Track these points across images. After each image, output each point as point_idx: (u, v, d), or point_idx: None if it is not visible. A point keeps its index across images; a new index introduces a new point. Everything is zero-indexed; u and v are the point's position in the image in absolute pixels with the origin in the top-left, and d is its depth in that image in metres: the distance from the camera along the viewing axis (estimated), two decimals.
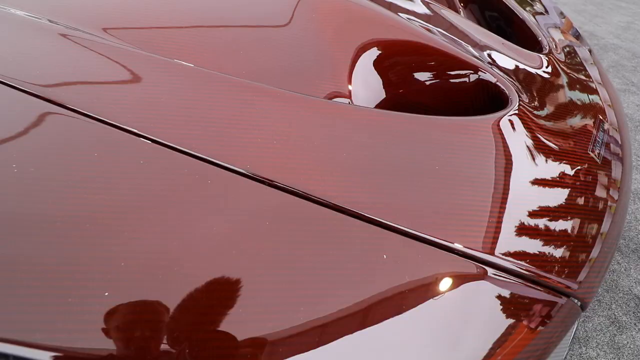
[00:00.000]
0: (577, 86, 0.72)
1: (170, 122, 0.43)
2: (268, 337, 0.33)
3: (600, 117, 0.68)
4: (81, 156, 0.39)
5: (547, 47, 0.78)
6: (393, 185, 0.45)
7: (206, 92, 0.47)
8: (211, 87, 0.49)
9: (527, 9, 0.97)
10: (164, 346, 0.31)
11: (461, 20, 0.79)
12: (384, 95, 0.63)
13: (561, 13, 1.09)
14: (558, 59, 0.76)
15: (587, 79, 0.77)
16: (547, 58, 0.74)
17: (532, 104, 0.62)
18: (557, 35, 0.89)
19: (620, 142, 0.69)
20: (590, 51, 0.98)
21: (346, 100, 0.59)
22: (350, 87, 0.60)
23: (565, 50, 0.84)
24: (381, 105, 0.63)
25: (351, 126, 0.49)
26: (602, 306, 1.03)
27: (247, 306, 0.33)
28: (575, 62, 0.81)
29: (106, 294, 0.33)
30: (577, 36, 1.03)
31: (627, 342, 0.95)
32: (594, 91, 0.75)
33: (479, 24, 0.98)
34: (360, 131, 0.49)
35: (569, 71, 0.74)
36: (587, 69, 0.83)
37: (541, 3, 1.21)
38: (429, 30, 0.69)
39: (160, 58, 0.51)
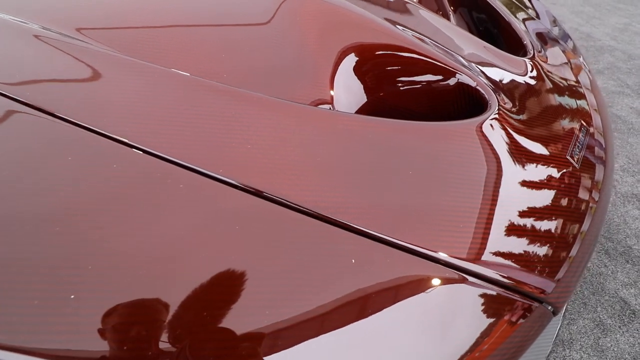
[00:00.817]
0: (560, 90, 0.72)
1: (140, 124, 0.43)
2: (232, 341, 0.33)
3: (582, 122, 0.68)
4: (50, 157, 0.39)
5: (532, 51, 0.78)
6: (368, 191, 0.45)
7: (181, 95, 0.48)
8: (187, 91, 0.49)
9: (518, 14, 0.97)
10: (127, 349, 0.31)
11: (443, 23, 0.79)
12: (365, 99, 0.64)
13: (554, 19, 1.09)
14: (542, 63, 0.76)
15: (571, 83, 0.77)
16: (530, 62, 0.75)
17: (512, 108, 0.62)
18: (544, 39, 0.89)
19: (602, 147, 0.69)
20: (576, 51, 0.98)
21: (327, 105, 0.59)
22: (331, 92, 0.60)
23: (551, 54, 0.84)
24: (363, 109, 0.63)
25: (328, 131, 0.49)
26: (588, 309, 1.03)
27: (214, 308, 0.34)
28: (561, 65, 0.81)
29: (72, 296, 0.33)
30: (566, 39, 1.03)
31: (611, 345, 0.96)
32: (578, 95, 0.75)
33: (469, 27, 0.98)
34: (337, 136, 0.49)
35: (552, 75, 0.74)
36: (573, 72, 0.83)
37: (533, 8, 1.21)
38: (410, 33, 0.69)
39: (133, 60, 0.51)
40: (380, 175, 0.47)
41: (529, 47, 0.79)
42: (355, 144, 0.49)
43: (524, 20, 0.95)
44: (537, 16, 1.07)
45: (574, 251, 0.53)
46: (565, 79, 0.77)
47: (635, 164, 1.52)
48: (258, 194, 0.40)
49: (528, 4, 1.18)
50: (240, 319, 0.34)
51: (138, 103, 0.46)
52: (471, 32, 0.97)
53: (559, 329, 0.85)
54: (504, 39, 0.87)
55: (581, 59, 0.96)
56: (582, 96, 0.76)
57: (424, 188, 0.47)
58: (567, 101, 0.71)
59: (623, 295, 1.07)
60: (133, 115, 0.44)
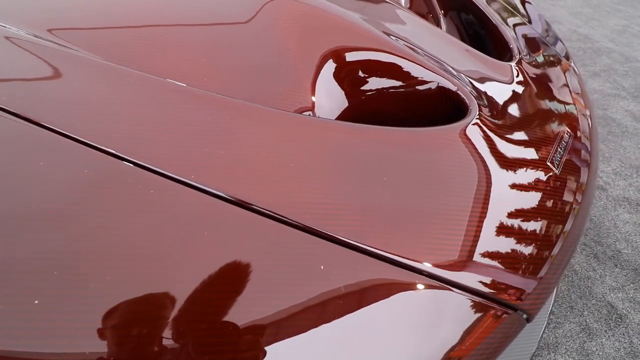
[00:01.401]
0: (544, 95, 0.72)
1: (110, 128, 0.43)
2: (200, 344, 0.33)
3: (565, 127, 0.68)
4: (20, 160, 0.39)
5: (518, 56, 0.78)
6: (343, 197, 0.45)
7: (154, 100, 0.48)
8: (162, 95, 0.49)
9: (509, 18, 0.97)
10: (84, 351, 0.31)
11: (425, 26, 0.79)
12: (346, 104, 0.64)
13: (546, 24, 1.08)
14: (527, 68, 0.76)
15: (557, 88, 0.77)
16: (515, 67, 0.75)
17: (493, 113, 0.62)
18: (533, 44, 0.89)
19: (585, 154, 0.69)
20: (568, 57, 0.98)
21: (308, 111, 0.59)
22: (312, 97, 0.60)
23: (539, 58, 0.84)
24: (344, 113, 0.63)
25: (305, 137, 0.50)
26: (574, 313, 1.04)
27: (182, 310, 0.34)
28: (548, 70, 0.81)
29: (36, 302, 0.33)
30: (557, 43, 1.03)
31: (596, 350, 0.96)
32: (562, 100, 0.75)
33: (459, 30, 0.98)
34: (313, 142, 0.49)
35: (537, 80, 0.74)
36: (560, 77, 0.83)
37: (526, 13, 1.21)
38: (392, 37, 0.69)
39: (104, 63, 0.51)
40: (357, 181, 0.47)
41: (515, 51, 0.79)
42: (331, 150, 0.49)
43: (514, 25, 0.94)
44: (529, 21, 1.07)
45: (548, 261, 0.53)
46: (551, 84, 0.77)
47: (627, 168, 1.52)
48: (228, 199, 0.40)
49: (521, 9, 1.18)
50: (205, 324, 0.34)
51: (108, 106, 0.46)
52: (461, 35, 0.96)
53: (543, 332, 0.85)
54: (492, 43, 0.87)
55: (571, 63, 0.95)
56: (567, 101, 0.76)
57: (400, 195, 0.47)
58: (550, 106, 0.71)
59: (610, 300, 1.07)
60: (102, 119, 0.44)
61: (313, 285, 0.38)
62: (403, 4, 0.98)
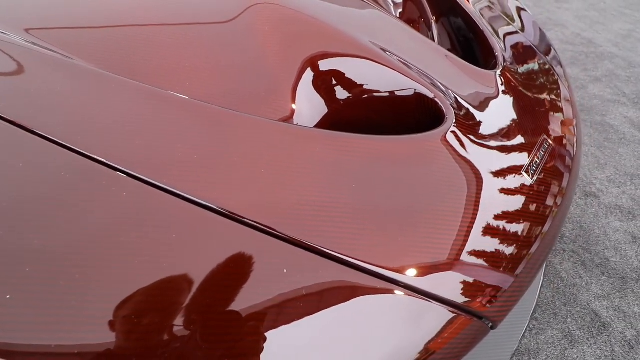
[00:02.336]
0: (525, 104, 0.72)
1: (82, 130, 0.45)
2: (161, 345, 0.35)
3: (544, 136, 0.69)
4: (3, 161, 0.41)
5: (502, 64, 0.79)
6: (314, 203, 0.46)
7: (130, 103, 0.49)
8: (139, 99, 0.50)
9: (501, 27, 0.97)
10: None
11: (406, 31, 0.79)
12: (326, 110, 0.65)
13: (540, 32, 1.08)
14: (511, 76, 0.76)
15: (540, 96, 0.78)
16: (498, 75, 0.75)
17: (469, 121, 0.63)
18: (523, 52, 0.89)
19: (565, 163, 0.69)
20: (559, 65, 0.98)
21: (288, 117, 0.60)
22: (292, 104, 0.61)
23: (526, 66, 0.84)
24: (324, 119, 0.64)
25: (280, 144, 0.51)
26: (558, 319, 1.04)
27: (141, 317, 0.35)
28: (533, 78, 0.81)
29: (8, 296, 0.35)
30: (549, 52, 1.03)
31: (577, 357, 0.97)
32: (545, 108, 0.76)
33: (450, 37, 0.98)
34: (288, 148, 0.51)
35: (520, 88, 0.75)
36: (546, 85, 0.83)
37: (520, 20, 1.21)
38: (373, 43, 0.70)
39: (84, 66, 0.53)
40: (329, 188, 0.48)
41: (500, 59, 0.79)
42: (306, 157, 0.50)
43: (505, 34, 0.94)
44: (523, 29, 1.07)
45: (514, 273, 0.54)
46: (534, 93, 0.77)
47: (622, 175, 1.52)
48: (202, 205, 0.42)
49: (516, 16, 1.18)
50: (171, 327, 0.36)
51: (83, 108, 0.47)
52: (452, 41, 0.97)
53: (521, 339, 0.86)
54: (480, 49, 0.87)
55: (562, 71, 0.96)
56: (549, 110, 0.77)
57: (369, 202, 0.49)
58: (531, 116, 0.71)
59: (595, 308, 1.08)
60: (74, 120, 0.46)
61: (274, 288, 0.40)
62: (393, 9, 0.99)
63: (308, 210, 0.45)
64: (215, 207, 0.42)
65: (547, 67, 0.88)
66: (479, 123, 0.64)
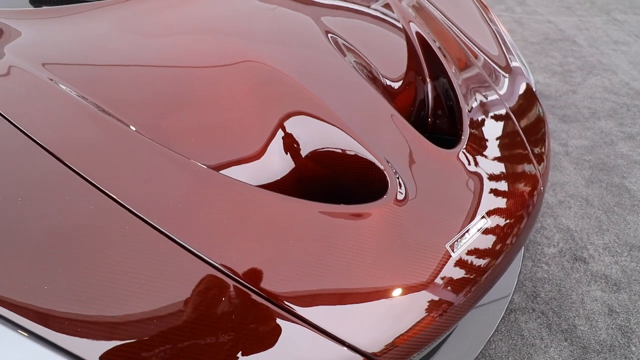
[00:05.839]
0: (475, 182, 0.80)
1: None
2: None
3: (484, 214, 0.76)
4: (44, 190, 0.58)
5: (465, 142, 0.86)
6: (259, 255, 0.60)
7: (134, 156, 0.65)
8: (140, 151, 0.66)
9: (480, 90, 1.02)
10: None
11: (381, 102, 0.88)
12: (293, 165, 0.77)
13: (528, 96, 1.13)
14: (470, 154, 0.83)
15: (496, 173, 0.84)
16: (457, 154, 0.83)
17: (407, 197, 0.72)
18: (492, 124, 0.95)
19: (500, 245, 0.77)
20: (544, 128, 1.03)
21: (264, 170, 0.74)
22: (264, 157, 0.75)
23: (494, 137, 0.91)
24: (291, 174, 0.76)
25: (243, 202, 0.66)
26: None
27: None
28: (497, 152, 0.87)
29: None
30: (533, 104, 1.08)
31: None
32: (500, 189, 0.83)
33: (439, 97, 1.05)
34: (245, 207, 0.65)
35: (473, 168, 0.82)
36: (511, 155, 0.89)
37: (517, 57, 1.25)
38: (344, 111, 0.81)
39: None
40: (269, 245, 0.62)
41: (465, 136, 0.87)
42: (257, 215, 0.64)
43: (481, 103, 0.99)
44: (511, 90, 1.11)
45: (414, 328, 0.64)
46: (493, 171, 0.84)
47: (621, 245, 1.51)
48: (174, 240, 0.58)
49: (509, 60, 1.22)
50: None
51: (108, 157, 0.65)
52: (438, 102, 1.04)
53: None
54: (458, 119, 0.95)
55: (545, 136, 1.01)
56: (505, 187, 0.83)
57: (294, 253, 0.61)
58: (477, 194, 0.79)
59: None
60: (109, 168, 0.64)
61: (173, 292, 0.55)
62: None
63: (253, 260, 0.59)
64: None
65: (517, 139, 0.94)
66: (414, 198, 0.73)
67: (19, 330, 0.49)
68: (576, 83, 2.56)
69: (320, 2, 1.21)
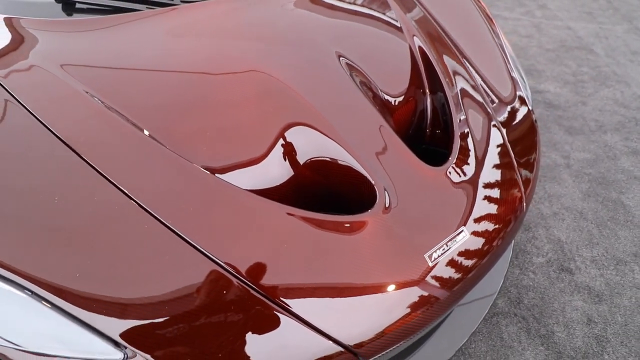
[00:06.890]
0: (456, 198, 0.88)
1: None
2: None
3: (462, 227, 0.85)
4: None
5: (454, 160, 0.93)
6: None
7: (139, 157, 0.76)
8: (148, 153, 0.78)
9: (475, 109, 1.09)
10: None
11: (377, 119, 0.96)
12: (292, 173, 0.86)
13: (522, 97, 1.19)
14: (454, 174, 0.91)
15: (482, 189, 0.92)
16: (443, 171, 0.91)
17: (393, 212, 0.81)
18: (482, 142, 1.01)
19: (477, 260, 0.85)
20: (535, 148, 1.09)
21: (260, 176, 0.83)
22: (265, 163, 0.84)
23: (482, 155, 0.98)
24: (290, 180, 0.86)
25: (241, 208, 0.76)
26: None
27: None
28: (476, 174, 0.94)
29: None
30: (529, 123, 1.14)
31: None
32: (482, 206, 0.90)
33: (436, 111, 1.12)
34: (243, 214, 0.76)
35: (456, 185, 0.90)
36: (495, 173, 0.97)
37: (517, 70, 1.30)
38: (345, 128, 0.90)
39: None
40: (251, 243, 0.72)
41: (454, 154, 0.94)
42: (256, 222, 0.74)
43: (474, 122, 1.06)
44: (502, 108, 1.17)
45: (395, 324, 0.74)
46: (476, 185, 0.92)
47: (609, 258, 1.57)
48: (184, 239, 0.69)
49: (516, 76, 1.28)
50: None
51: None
52: (436, 115, 1.11)
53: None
54: (450, 135, 1.02)
55: (535, 151, 1.07)
56: (487, 206, 0.91)
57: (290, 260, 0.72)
58: (459, 207, 0.87)
59: None
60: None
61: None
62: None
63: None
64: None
65: (506, 160, 1.01)
66: (401, 210, 0.82)
67: (43, 302, 0.61)
68: (587, 94, 2.57)
69: (337, 10, 1.29)
